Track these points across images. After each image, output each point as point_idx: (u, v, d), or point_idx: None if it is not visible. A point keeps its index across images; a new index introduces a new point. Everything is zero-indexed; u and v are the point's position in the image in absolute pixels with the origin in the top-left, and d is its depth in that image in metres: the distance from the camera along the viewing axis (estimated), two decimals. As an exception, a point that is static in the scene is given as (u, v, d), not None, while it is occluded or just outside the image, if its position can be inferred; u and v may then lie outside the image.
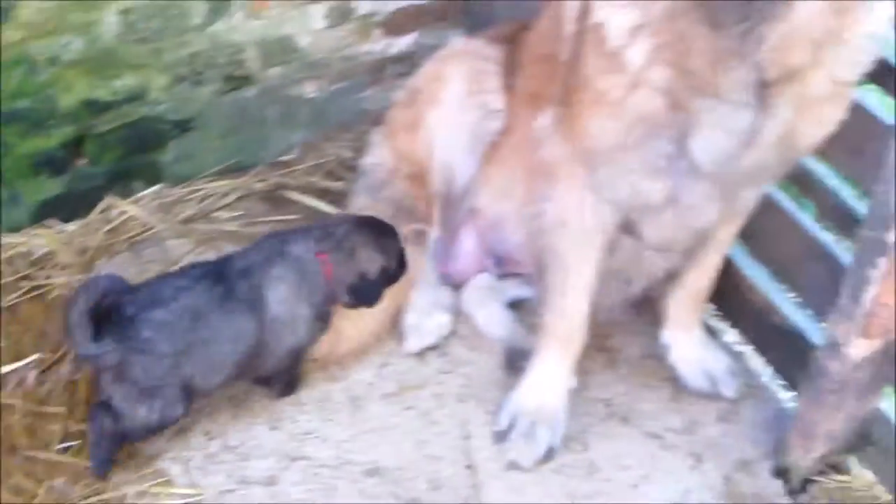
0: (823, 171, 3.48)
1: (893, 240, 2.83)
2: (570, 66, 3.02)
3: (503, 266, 3.89)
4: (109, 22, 3.87)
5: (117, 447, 3.26)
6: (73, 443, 3.34)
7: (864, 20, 2.70)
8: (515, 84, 3.60)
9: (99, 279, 3.20)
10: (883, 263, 2.88)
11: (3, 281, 3.79)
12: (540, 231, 3.37)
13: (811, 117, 2.83)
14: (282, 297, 3.32)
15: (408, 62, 4.53)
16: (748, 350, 3.97)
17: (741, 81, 2.64)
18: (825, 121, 2.88)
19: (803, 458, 3.38)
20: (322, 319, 3.45)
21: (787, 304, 3.70)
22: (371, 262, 3.46)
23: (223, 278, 3.28)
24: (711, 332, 3.91)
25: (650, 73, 2.74)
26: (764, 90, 2.67)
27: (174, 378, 3.18)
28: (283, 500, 3.26)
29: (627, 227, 3.29)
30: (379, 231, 3.53)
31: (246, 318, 3.26)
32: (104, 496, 3.19)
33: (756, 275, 3.78)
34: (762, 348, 3.86)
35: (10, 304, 3.73)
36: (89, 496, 3.19)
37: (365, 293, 3.48)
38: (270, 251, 3.37)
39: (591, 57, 2.86)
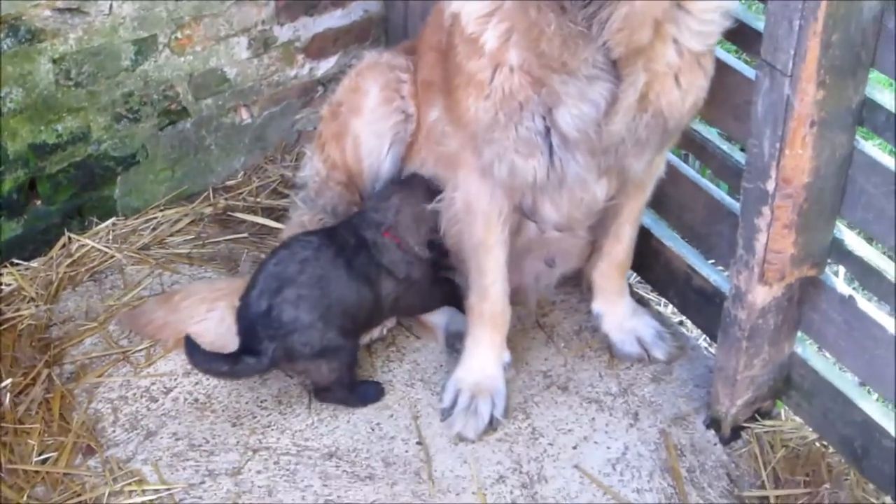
0: (715, 137, 3.71)
1: (773, 188, 3.05)
2: (446, 57, 3.29)
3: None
4: (44, 70, 4.08)
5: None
6: (50, 454, 3.56)
7: None
8: (417, 79, 3.82)
9: None
10: (766, 211, 3.11)
11: (-25, 317, 4.01)
12: (453, 219, 3.62)
13: (667, 86, 3.08)
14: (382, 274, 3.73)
15: (334, 83, 4.70)
16: (677, 314, 4.22)
17: (590, 59, 2.91)
18: (685, 88, 3.11)
19: (730, 406, 3.57)
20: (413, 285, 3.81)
21: (705, 267, 3.90)
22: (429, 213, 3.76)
23: (341, 250, 3.68)
24: (642, 303, 4.14)
25: (506, 54, 3.02)
26: (615, 64, 2.93)
27: (329, 332, 3.56)
28: (247, 487, 3.47)
29: (526, 211, 3.53)
30: (422, 187, 3.81)
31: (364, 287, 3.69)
32: (82, 498, 3.41)
33: (674, 243, 3.99)
34: (688, 311, 4.07)
35: (-17, 336, 3.95)
36: (68, 500, 3.41)
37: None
38: (356, 238, 3.74)
39: (459, 45, 3.14)
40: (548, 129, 3.12)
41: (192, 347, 3.50)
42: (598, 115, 3.05)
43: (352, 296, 3.62)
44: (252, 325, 3.52)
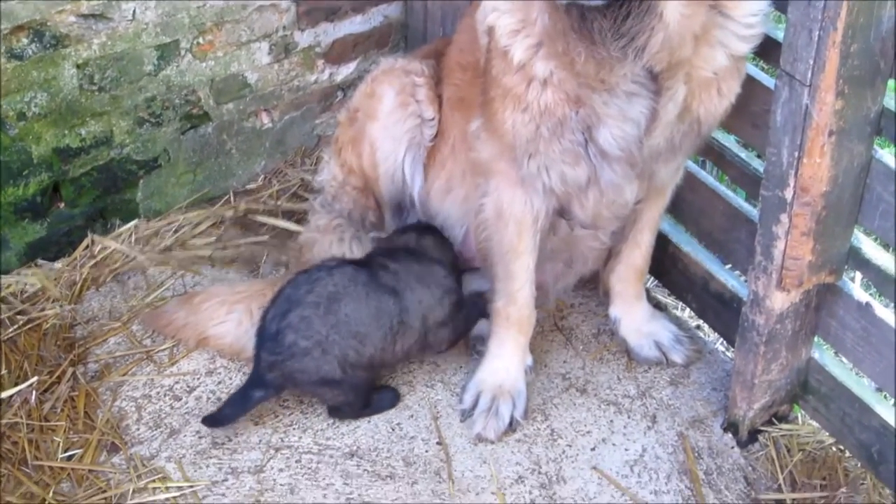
0: (733, 144, 3.72)
1: (791, 196, 3.08)
2: (484, 70, 3.33)
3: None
4: (68, 76, 4.12)
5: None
6: (75, 451, 3.61)
7: None
8: (443, 92, 3.86)
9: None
10: (785, 219, 3.14)
11: (1, 317, 4.05)
12: (482, 224, 3.65)
13: (709, 92, 3.11)
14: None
15: (353, 88, 4.71)
16: (694, 319, 4.25)
17: (629, 75, 2.94)
18: (723, 93, 3.15)
19: (748, 409, 3.60)
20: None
21: (723, 273, 3.93)
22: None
23: (363, 266, 3.67)
24: (659, 307, 4.17)
25: (533, 69, 3.05)
26: (656, 77, 2.96)
27: (327, 362, 3.52)
28: (269, 485, 3.51)
29: (559, 210, 3.55)
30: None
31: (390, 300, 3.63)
32: (107, 494, 3.45)
33: (692, 249, 4.02)
34: (705, 315, 4.09)
35: (9, 336, 3.98)
36: (93, 496, 3.45)
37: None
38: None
39: (495, 59, 3.18)
40: (587, 141, 3.15)
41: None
42: (639, 133, 3.09)
43: (367, 309, 3.57)
44: (259, 351, 3.55)
